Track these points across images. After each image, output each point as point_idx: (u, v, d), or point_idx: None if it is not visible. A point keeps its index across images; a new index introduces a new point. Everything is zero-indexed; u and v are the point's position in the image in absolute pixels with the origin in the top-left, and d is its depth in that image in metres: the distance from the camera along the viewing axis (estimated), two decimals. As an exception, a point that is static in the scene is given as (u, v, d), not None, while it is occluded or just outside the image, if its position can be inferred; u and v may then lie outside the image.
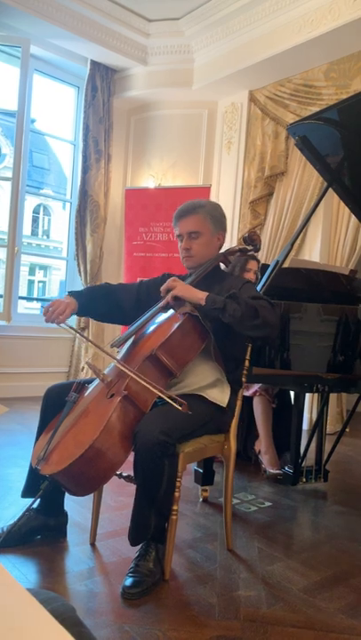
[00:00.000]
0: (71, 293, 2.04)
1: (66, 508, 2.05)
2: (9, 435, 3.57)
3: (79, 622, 0.64)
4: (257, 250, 2.19)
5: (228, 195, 5.18)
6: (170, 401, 1.66)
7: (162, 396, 1.68)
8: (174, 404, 1.64)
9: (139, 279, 2.29)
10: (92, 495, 1.94)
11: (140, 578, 1.67)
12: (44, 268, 17.85)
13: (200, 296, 1.85)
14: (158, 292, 2.03)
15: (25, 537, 1.93)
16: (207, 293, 1.85)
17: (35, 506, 1.93)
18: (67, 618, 0.62)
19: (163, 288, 1.92)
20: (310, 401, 4.34)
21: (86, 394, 1.86)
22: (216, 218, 2.07)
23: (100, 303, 2.11)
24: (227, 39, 4.74)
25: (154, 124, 5.63)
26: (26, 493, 1.99)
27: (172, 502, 1.75)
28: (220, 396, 1.93)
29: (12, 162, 4.81)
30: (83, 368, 5.23)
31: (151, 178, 5.50)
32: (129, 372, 1.70)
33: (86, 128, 5.28)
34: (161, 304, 1.94)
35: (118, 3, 4.71)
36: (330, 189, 2.79)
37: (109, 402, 1.69)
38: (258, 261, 3.26)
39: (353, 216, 3.89)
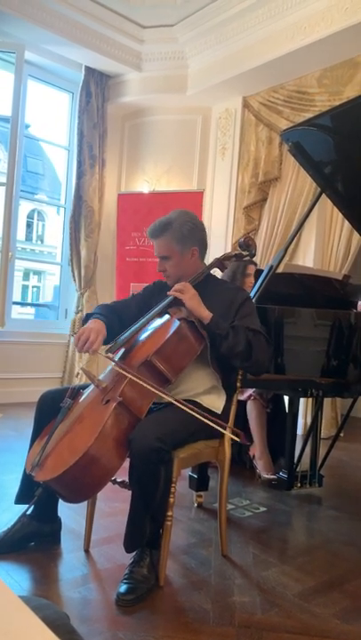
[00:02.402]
0: (91, 316, 1.96)
1: (60, 514, 2.04)
2: (3, 441, 3.55)
3: (71, 629, 0.64)
4: (252, 255, 2.19)
5: (222, 200, 5.19)
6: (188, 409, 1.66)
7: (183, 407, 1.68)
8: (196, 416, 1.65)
9: (131, 293, 2.26)
10: (86, 501, 1.93)
11: (135, 584, 1.66)
12: (39, 273, 17.78)
13: (205, 315, 1.88)
14: (156, 300, 2.03)
15: (18, 543, 1.92)
16: (212, 314, 1.87)
17: (29, 512, 1.92)
18: (59, 625, 0.61)
19: (175, 289, 1.92)
20: (305, 406, 4.35)
21: (81, 400, 1.85)
22: (183, 236, 2.00)
23: (115, 323, 2.00)
24: (221, 46, 4.77)
25: (148, 130, 5.64)
26: (19, 500, 1.97)
27: (167, 508, 1.74)
28: (216, 402, 1.93)
29: (7, 167, 4.80)
30: (77, 374, 5.21)
31: (145, 183, 5.51)
32: (130, 376, 1.69)
33: (80, 134, 5.29)
34: (159, 307, 1.94)
35: (112, 9, 4.73)
36: (323, 195, 2.81)
37: (104, 408, 1.69)
38: (255, 264, 3.29)
39: (346, 221, 3.91)
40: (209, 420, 1.67)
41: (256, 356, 1.87)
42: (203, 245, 2.09)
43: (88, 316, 1.98)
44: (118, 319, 2.02)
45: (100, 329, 1.87)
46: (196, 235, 2.05)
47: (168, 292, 1.95)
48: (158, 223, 2.03)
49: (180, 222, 2.01)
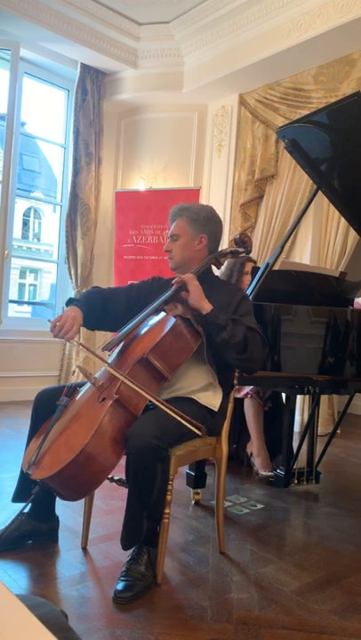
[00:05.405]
0: (72, 302, 1.97)
1: (57, 512, 2.04)
2: None
3: (67, 627, 0.64)
4: (248, 252, 2.19)
5: (218, 197, 5.19)
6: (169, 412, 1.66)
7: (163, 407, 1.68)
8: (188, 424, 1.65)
9: (129, 282, 2.27)
10: (83, 499, 1.93)
11: (132, 582, 1.66)
12: (35, 271, 17.75)
13: (206, 307, 1.88)
14: (148, 296, 2.03)
15: (16, 542, 1.92)
16: (212, 307, 1.88)
17: (26, 510, 1.91)
18: (55, 623, 0.61)
19: (177, 280, 1.93)
20: (302, 403, 4.35)
21: (77, 398, 1.85)
22: (198, 220, 2.06)
23: (97, 310, 2.03)
24: (217, 42, 4.76)
25: (144, 127, 5.63)
26: (16, 498, 1.97)
27: (164, 505, 1.74)
28: (212, 399, 1.93)
29: (2, 165, 4.79)
30: (74, 372, 5.20)
31: (142, 181, 5.50)
32: (122, 378, 1.69)
33: (76, 131, 5.28)
34: (155, 304, 1.94)
35: (108, 6, 4.71)
36: (319, 192, 2.81)
37: (100, 406, 1.68)
38: (254, 262, 3.28)
39: (342, 218, 3.91)
40: (192, 424, 1.67)
41: (251, 352, 1.87)
42: (213, 238, 2.11)
43: (70, 301, 1.99)
44: (102, 306, 2.04)
45: (76, 317, 1.89)
46: (209, 224, 2.08)
47: (173, 282, 1.95)
48: (179, 205, 2.10)
49: (198, 208, 2.10)
